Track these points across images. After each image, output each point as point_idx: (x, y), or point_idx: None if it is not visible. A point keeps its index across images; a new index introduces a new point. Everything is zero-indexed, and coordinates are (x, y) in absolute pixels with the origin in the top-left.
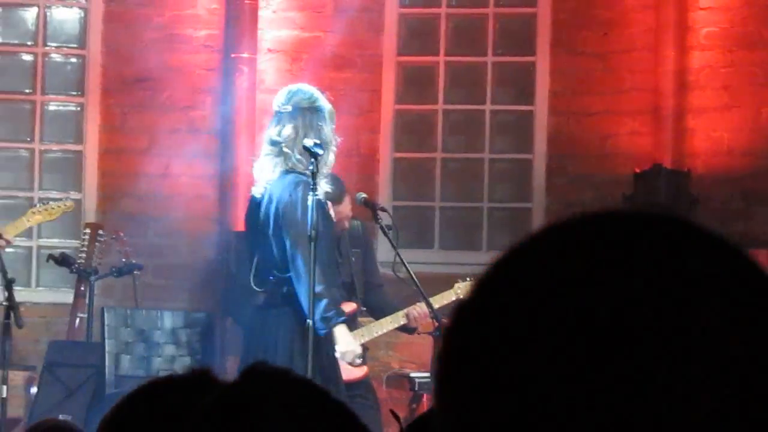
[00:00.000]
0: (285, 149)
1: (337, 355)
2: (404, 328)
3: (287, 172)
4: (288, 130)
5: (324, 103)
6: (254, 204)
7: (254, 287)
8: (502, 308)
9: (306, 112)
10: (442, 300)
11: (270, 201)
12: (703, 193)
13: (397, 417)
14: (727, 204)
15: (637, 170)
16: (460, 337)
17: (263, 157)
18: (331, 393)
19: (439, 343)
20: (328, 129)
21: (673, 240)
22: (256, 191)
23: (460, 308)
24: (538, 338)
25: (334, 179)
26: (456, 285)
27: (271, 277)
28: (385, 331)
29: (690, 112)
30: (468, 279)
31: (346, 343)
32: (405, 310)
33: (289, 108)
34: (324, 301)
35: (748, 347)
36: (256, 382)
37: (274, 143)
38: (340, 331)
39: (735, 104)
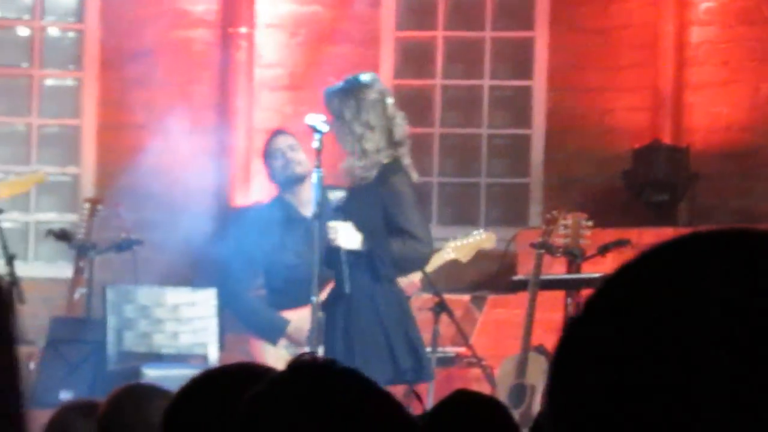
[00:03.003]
0: None
1: None
2: None
3: None
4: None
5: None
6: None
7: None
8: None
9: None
10: (436, 262)
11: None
12: (702, 169)
13: (419, 397)
14: (725, 180)
15: (636, 146)
16: (578, 356)
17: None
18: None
19: (438, 317)
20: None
21: None
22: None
23: (575, 325)
24: (654, 357)
25: None
26: (447, 245)
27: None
28: None
29: (689, 87)
30: (457, 238)
31: None
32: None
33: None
34: None
35: None
36: (303, 374)
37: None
38: None
39: (734, 80)
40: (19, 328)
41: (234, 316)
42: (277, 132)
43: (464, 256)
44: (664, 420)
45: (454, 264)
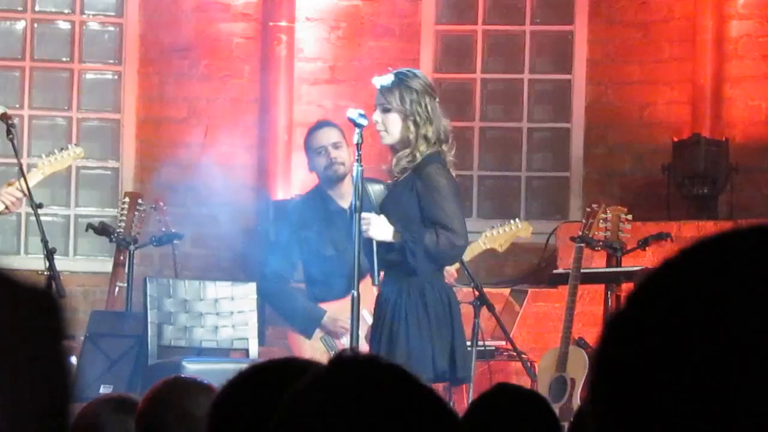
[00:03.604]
0: None
1: None
2: None
3: None
4: None
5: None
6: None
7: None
8: (661, 324)
9: None
10: (473, 251)
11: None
12: (741, 162)
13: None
14: (765, 172)
15: (676, 139)
16: (619, 350)
17: None
18: (421, 379)
19: (478, 310)
20: None
21: None
22: None
23: (617, 320)
24: (694, 356)
25: None
26: (483, 235)
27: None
28: None
29: (728, 81)
30: (494, 227)
31: None
32: None
33: None
34: None
35: None
36: (344, 370)
37: None
38: None
39: None
40: (68, 326)
41: (272, 308)
42: (321, 123)
43: (501, 246)
44: (709, 415)
45: (493, 257)
